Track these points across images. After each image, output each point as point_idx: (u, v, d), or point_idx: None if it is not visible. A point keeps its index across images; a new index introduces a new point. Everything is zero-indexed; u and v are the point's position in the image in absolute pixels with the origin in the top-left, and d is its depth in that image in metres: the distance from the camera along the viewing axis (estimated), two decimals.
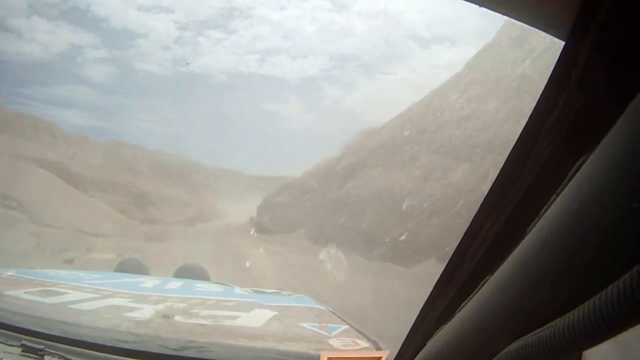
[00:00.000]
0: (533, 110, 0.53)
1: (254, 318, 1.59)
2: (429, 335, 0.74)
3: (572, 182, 0.41)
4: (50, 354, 1.08)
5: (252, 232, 11.58)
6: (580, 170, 0.40)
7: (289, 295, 2.58)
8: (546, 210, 0.44)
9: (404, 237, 7.80)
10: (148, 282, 2.20)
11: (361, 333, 1.50)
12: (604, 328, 0.32)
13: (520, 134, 0.55)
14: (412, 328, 0.83)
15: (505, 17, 0.54)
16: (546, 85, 0.51)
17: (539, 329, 0.40)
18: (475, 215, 0.62)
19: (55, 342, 1.12)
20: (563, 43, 0.49)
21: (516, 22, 0.54)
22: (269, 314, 1.65)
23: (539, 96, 0.53)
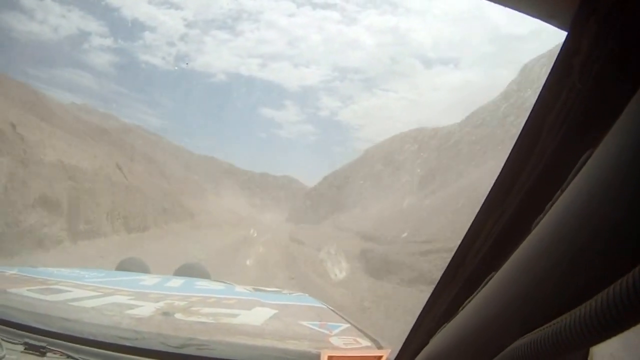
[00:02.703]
0: (535, 104, 0.52)
1: (254, 316, 1.59)
2: (431, 333, 0.73)
3: (577, 177, 0.41)
4: (52, 351, 1.08)
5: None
6: (586, 165, 0.40)
7: (290, 293, 2.59)
8: (551, 206, 0.44)
9: None
10: (149, 280, 2.20)
11: (362, 331, 1.50)
12: (612, 324, 0.32)
13: (523, 128, 0.54)
14: (414, 326, 0.82)
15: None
16: (548, 77, 0.50)
17: (545, 325, 0.39)
18: (479, 212, 0.61)
19: (58, 339, 1.12)
20: (565, 33, 0.48)
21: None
22: (269, 312, 1.65)
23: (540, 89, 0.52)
